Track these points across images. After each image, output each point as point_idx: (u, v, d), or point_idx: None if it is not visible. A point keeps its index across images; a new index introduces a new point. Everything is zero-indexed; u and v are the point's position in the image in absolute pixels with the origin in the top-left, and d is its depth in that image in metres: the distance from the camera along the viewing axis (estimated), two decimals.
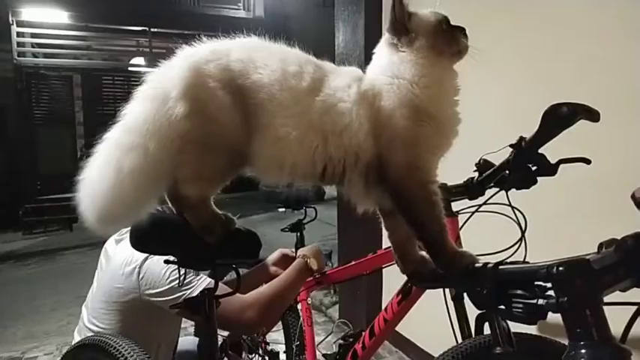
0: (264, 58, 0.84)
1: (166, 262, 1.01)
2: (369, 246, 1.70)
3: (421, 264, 0.88)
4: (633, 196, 0.57)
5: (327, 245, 4.63)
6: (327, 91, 0.83)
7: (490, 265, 0.74)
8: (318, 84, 0.83)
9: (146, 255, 1.31)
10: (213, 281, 1.00)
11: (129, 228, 1.43)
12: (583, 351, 0.48)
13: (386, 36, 0.86)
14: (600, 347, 0.47)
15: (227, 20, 9.11)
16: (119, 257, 1.40)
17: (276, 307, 1.40)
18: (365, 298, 2.60)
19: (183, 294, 1.24)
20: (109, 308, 1.40)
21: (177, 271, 1.25)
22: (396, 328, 1.46)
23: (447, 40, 0.83)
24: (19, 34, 7.91)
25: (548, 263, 0.52)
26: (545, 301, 0.64)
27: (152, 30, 8.59)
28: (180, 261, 0.96)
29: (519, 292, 0.70)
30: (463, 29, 0.87)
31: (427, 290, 1.41)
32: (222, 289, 1.07)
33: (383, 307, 1.45)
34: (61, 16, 8.08)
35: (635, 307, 0.57)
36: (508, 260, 0.85)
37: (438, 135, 0.82)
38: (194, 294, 1.24)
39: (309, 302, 1.71)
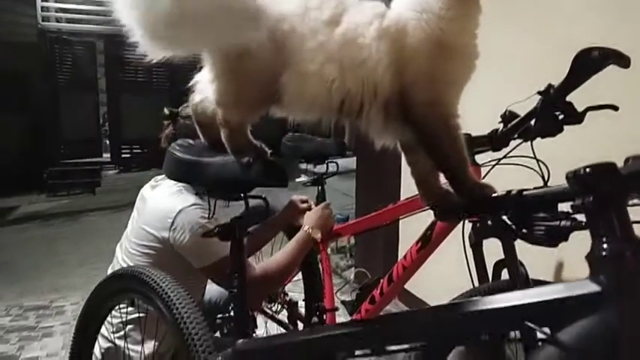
0: None
1: (197, 193, 1.05)
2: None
3: (445, 197, 0.90)
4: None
5: (343, 216, 4.67)
6: (347, 25, 0.83)
7: (514, 192, 0.76)
8: (338, 17, 0.84)
9: (181, 208, 1.37)
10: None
11: (163, 175, 1.49)
12: (605, 246, 0.50)
13: None
14: (623, 243, 0.50)
15: None
16: (155, 203, 1.46)
17: (279, 281, 1.54)
18: (382, 253, 2.64)
19: (203, 255, 1.34)
20: (141, 250, 1.47)
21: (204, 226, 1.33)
22: (409, 289, 1.50)
23: None
24: None
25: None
26: (568, 222, 0.67)
27: None
28: (210, 191, 1.00)
29: (542, 215, 0.73)
30: None
31: (438, 251, 1.44)
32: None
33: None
34: None
35: None
36: None
37: (461, 69, 0.83)
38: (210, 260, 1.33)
39: (329, 252, 1.76)
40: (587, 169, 0.51)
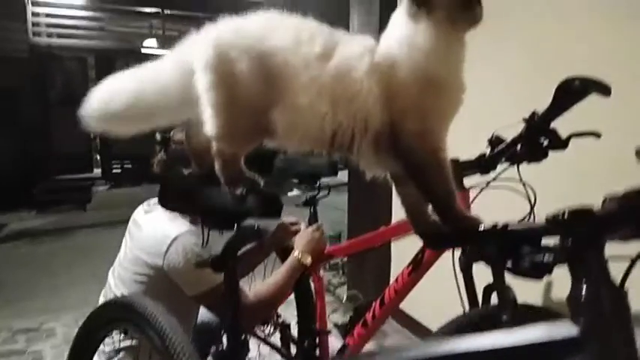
0: (279, 26, 0.89)
1: (191, 220, 1.06)
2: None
3: (434, 227, 0.92)
4: (637, 153, 0.61)
5: (335, 232, 4.68)
6: (339, 59, 0.86)
7: (500, 226, 0.78)
8: (330, 51, 0.86)
9: (177, 234, 1.37)
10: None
11: (155, 199, 1.49)
12: (584, 288, 0.52)
13: (405, 4, 0.87)
14: (600, 286, 0.52)
15: (242, 4, 9.07)
16: (150, 229, 1.46)
17: (271, 306, 1.56)
18: (373, 273, 2.65)
19: (196, 282, 1.34)
20: (134, 277, 1.46)
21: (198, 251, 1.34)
22: (402, 308, 1.51)
23: (464, 9, 0.85)
24: (34, 14, 7.97)
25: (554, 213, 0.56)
26: (551, 257, 0.69)
27: (165, 12, 8.61)
28: (204, 221, 1.01)
29: (527, 248, 0.75)
30: None
31: (431, 271, 1.45)
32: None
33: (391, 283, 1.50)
34: None
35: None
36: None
37: (449, 103, 0.85)
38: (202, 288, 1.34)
39: (321, 274, 1.76)
40: (565, 214, 0.53)
